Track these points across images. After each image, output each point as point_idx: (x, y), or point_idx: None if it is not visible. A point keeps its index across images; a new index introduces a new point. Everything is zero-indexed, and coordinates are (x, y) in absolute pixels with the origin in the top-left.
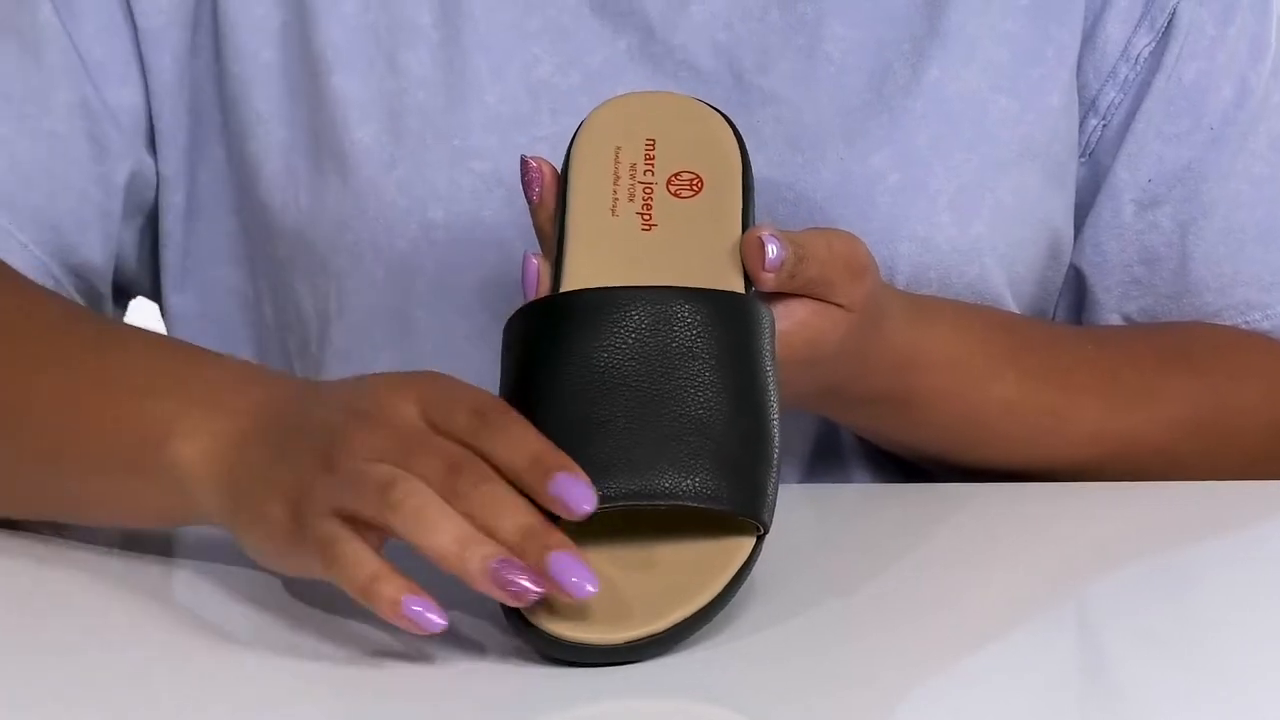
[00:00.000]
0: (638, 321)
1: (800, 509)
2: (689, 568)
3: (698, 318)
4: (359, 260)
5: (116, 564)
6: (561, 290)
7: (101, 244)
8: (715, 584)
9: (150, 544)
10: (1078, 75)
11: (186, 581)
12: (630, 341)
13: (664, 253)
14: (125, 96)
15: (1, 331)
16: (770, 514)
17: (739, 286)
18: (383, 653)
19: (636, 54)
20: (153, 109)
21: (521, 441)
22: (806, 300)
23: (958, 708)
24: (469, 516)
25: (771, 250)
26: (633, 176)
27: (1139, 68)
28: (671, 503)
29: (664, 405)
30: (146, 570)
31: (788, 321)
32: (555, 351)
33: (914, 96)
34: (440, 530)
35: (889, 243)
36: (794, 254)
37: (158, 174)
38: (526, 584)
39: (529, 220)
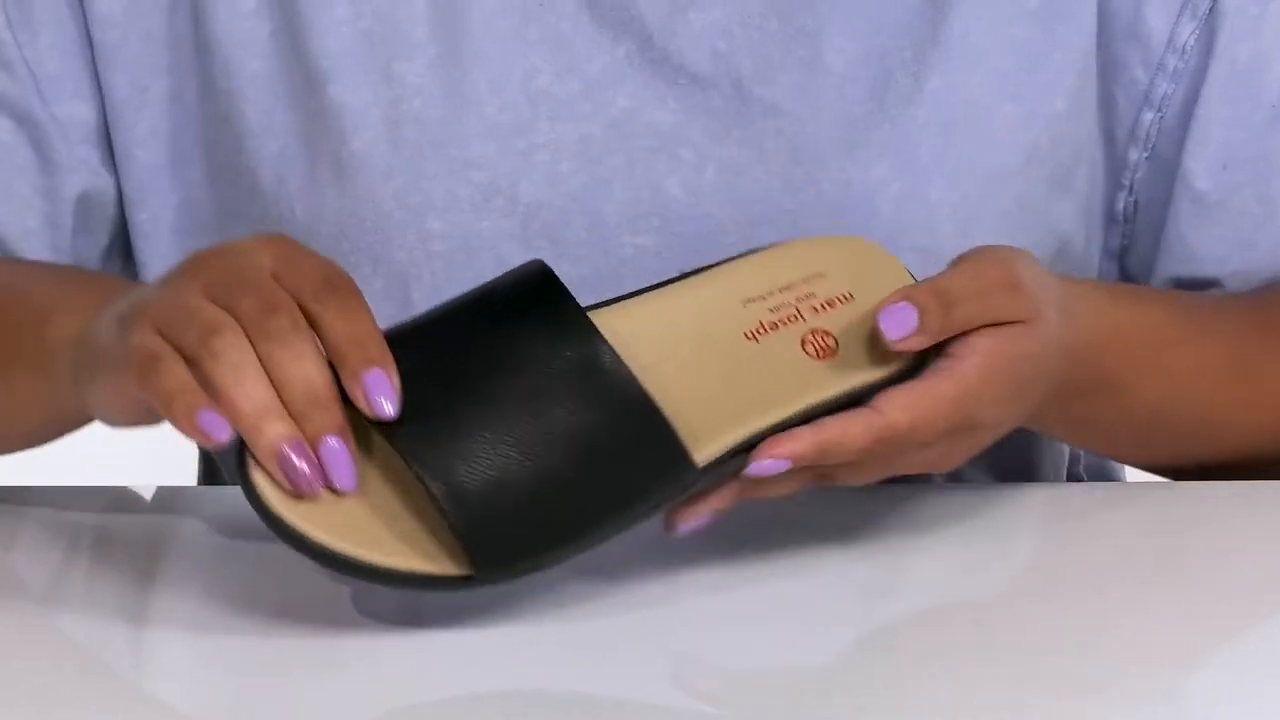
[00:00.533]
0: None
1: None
2: (428, 536)
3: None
4: (356, 270)
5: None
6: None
7: (50, 254)
8: (418, 565)
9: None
10: (1124, 72)
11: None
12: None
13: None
14: (78, 111)
15: None
16: (493, 568)
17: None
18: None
19: (636, 61)
20: (109, 125)
21: (355, 320)
22: (984, 331)
23: (958, 708)
24: (268, 359)
25: (892, 328)
26: (784, 295)
27: (1188, 57)
28: (420, 479)
29: (509, 412)
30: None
31: (976, 357)
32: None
33: (916, 106)
34: (247, 393)
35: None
36: (934, 307)
37: (120, 191)
38: (306, 473)
39: (526, 230)
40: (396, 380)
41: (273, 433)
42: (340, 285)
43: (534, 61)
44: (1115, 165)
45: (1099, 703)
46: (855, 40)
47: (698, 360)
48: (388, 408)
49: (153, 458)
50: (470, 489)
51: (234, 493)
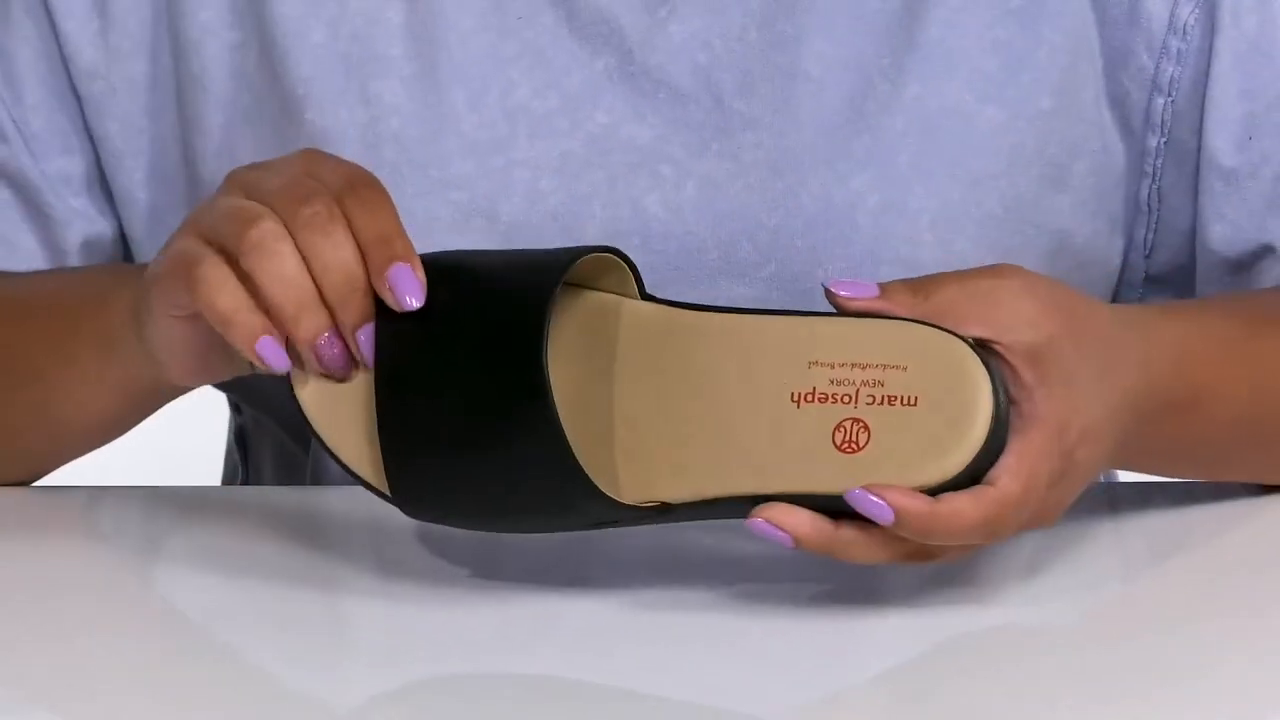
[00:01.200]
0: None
1: None
2: None
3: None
4: None
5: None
6: None
7: None
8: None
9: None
10: (1130, 60)
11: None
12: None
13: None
14: (66, 166)
15: None
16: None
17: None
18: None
19: (615, 75)
20: (106, 174)
21: (381, 218)
22: (1019, 358)
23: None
24: (308, 248)
25: (842, 287)
26: (853, 372)
27: (1189, 37)
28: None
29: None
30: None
31: (1038, 389)
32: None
33: (894, 114)
34: (287, 283)
35: (871, 265)
36: (900, 285)
37: (124, 235)
38: (339, 359)
39: (506, 247)
40: (422, 275)
41: (314, 323)
42: (367, 183)
43: (512, 77)
44: (1135, 155)
45: (1099, 702)
46: (835, 45)
47: (729, 396)
48: (412, 301)
49: (153, 458)
50: (408, 460)
51: (234, 493)
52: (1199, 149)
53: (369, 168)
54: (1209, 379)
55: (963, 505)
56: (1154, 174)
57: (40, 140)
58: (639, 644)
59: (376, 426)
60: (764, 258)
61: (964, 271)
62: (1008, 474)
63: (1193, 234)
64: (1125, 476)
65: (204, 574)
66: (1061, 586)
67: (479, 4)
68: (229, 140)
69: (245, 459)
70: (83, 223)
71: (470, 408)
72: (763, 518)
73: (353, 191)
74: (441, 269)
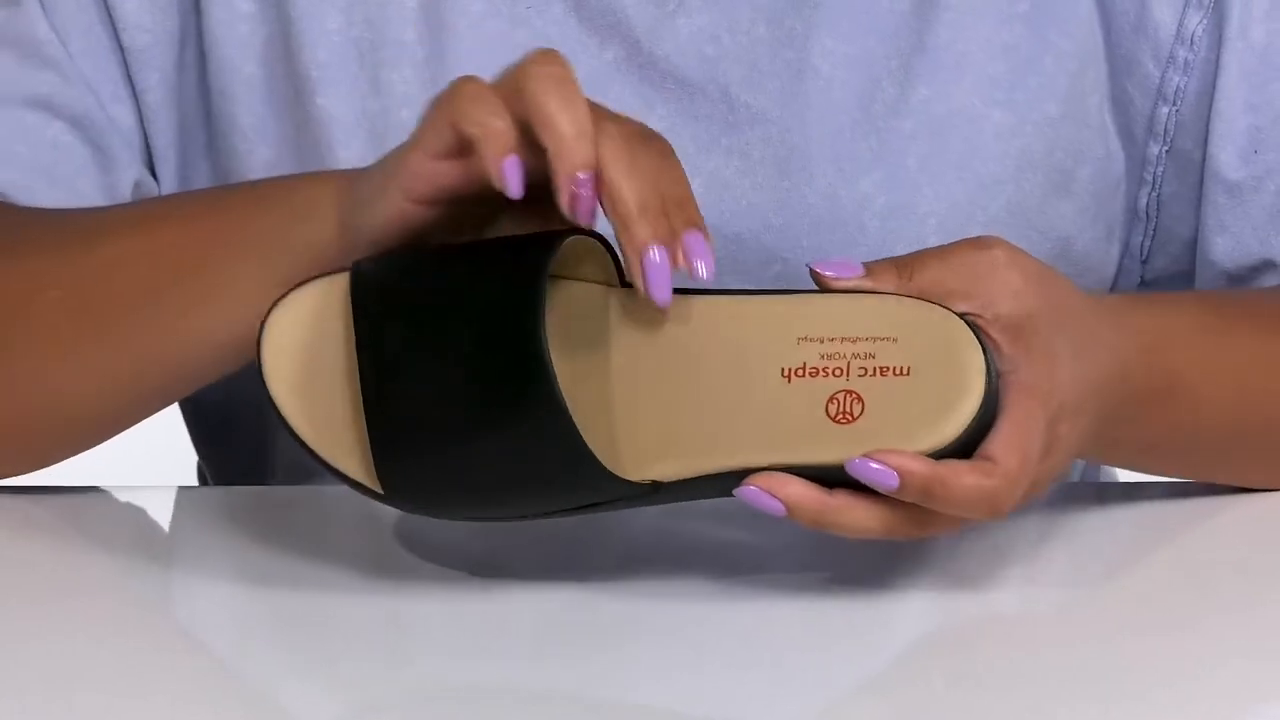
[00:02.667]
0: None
1: None
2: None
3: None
4: None
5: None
6: None
7: None
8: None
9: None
10: (1136, 68)
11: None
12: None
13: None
14: (119, 114)
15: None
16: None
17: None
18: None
19: (623, 65)
20: (146, 130)
21: (677, 177)
22: (994, 326)
23: (954, 707)
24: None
25: (830, 269)
26: (843, 345)
27: (1197, 48)
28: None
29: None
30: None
31: (1015, 364)
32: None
33: (902, 116)
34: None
35: None
36: (886, 265)
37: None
38: (591, 201)
39: None
40: (712, 242)
41: (581, 156)
42: (660, 139)
43: None
44: (1136, 162)
45: (1099, 701)
46: (844, 43)
47: (720, 376)
48: (703, 269)
49: (153, 458)
50: (399, 446)
51: (235, 492)
52: (1203, 160)
53: (375, 158)
54: (1181, 367)
55: (965, 470)
56: (1154, 182)
57: (96, 84)
58: (641, 643)
59: (365, 423)
60: (770, 256)
61: (946, 246)
62: (1004, 448)
63: (1193, 243)
64: (1124, 475)
65: (200, 574)
66: (1056, 580)
67: None
68: (229, 109)
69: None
70: (135, 170)
71: (467, 393)
72: (755, 485)
73: (646, 145)
74: (426, 257)
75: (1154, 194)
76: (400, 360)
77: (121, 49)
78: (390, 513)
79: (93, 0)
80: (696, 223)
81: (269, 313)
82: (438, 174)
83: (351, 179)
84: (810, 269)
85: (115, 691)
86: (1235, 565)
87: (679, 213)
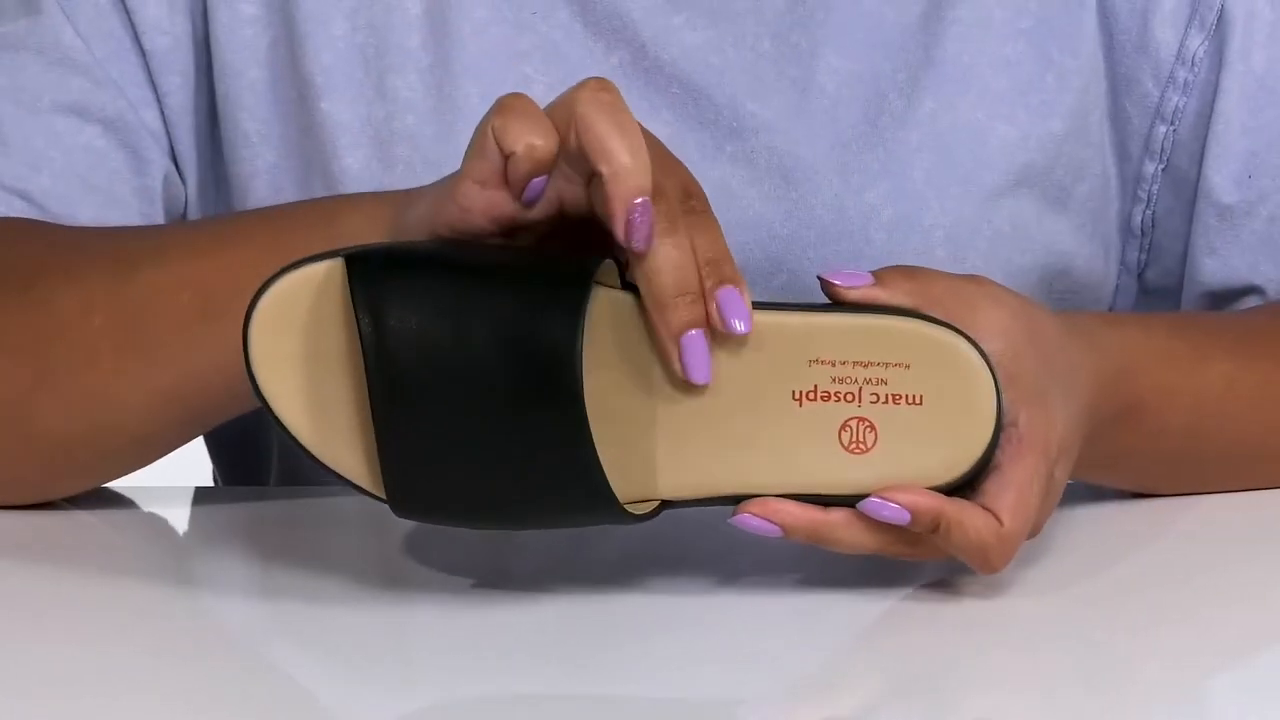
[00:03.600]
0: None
1: None
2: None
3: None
4: None
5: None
6: None
7: None
8: (353, 475)
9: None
10: (1134, 86)
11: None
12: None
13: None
14: (150, 119)
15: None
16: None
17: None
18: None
19: (628, 70)
20: (170, 134)
21: (714, 237)
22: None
23: (954, 707)
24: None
25: (840, 279)
26: (855, 370)
27: (1197, 69)
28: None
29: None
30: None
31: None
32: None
33: (909, 129)
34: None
35: None
36: (896, 272)
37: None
38: (648, 228)
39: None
40: (749, 300)
41: (636, 184)
42: (701, 196)
43: (526, 72)
44: (1130, 179)
45: (1098, 701)
46: (849, 60)
47: (732, 398)
48: (740, 326)
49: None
50: (406, 466)
51: (233, 493)
52: (1198, 180)
53: (383, 165)
54: (1144, 392)
55: (975, 513)
56: (1149, 200)
57: (126, 89)
58: (645, 642)
59: (370, 430)
60: (775, 267)
61: (948, 273)
62: (1010, 511)
63: (1184, 260)
64: None
65: (203, 574)
66: (1057, 579)
67: None
68: (232, 114)
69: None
70: (165, 168)
71: (488, 419)
72: (749, 513)
73: (688, 202)
74: (439, 267)
75: (1149, 211)
76: (416, 379)
77: (143, 52)
78: (393, 520)
79: (112, 5)
80: (733, 279)
81: (255, 301)
82: (491, 206)
83: (397, 206)
84: (820, 279)
85: (110, 694)
86: (1236, 564)
87: (714, 273)
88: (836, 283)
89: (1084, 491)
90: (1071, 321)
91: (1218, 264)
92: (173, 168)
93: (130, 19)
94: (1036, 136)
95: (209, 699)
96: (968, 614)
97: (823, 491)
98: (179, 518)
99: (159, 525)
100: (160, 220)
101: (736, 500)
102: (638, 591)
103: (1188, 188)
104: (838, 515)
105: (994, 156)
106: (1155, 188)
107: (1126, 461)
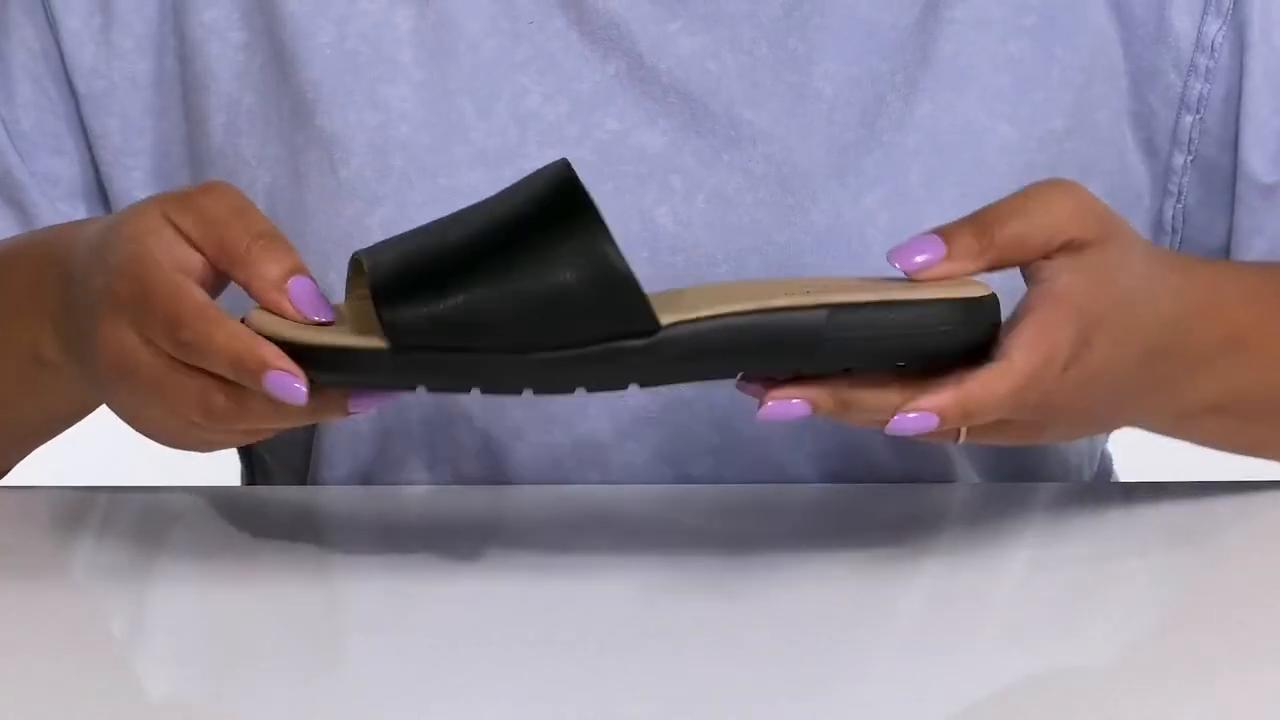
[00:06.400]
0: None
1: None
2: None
3: None
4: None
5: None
6: None
7: None
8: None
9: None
10: (1157, 79)
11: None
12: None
13: None
14: (59, 167)
15: None
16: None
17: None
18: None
19: (625, 79)
20: (102, 173)
21: (219, 353)
22: (1059, 255)
23: (954, 706)
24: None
25: (908, 256)
26: None
27: (1218, 55)
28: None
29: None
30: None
31: (1066, 275)
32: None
33: (907, 131)
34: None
35: None
36: (966, 230)
37: None
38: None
39: None
40: (285, 362)
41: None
42: (183, 330)
43: (522, 82)
44: (1160, 174)
45: (1098, 702)
46: (846, 64)
47: (726, 285)
48: (298, 396)
49: (154, 458)
50: (389, 254)
51: (234, 493)
52: (1234, 166)
53: (377, 174)
54: (1244, 323)
55: (991, 380)
56: (1179, 193)
57: (29, 139)
58: (647, 636)
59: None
60: (773, 272)
61: (1023, 194)
62: (1023, 348)
63: (1219, 251)
64: (1123, 475)
65: (205, 575)
66: (1056, 578)
67: (489, 8)
68: (231, 140)
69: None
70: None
71: (507, 228)
72: (771, 401)
73: (183, 347)
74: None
75: (1179, 205)
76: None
77: (76, 97)
78: (395, 513)
79: (45, 50)
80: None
81: None
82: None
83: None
84: (892, 261)
85: (110, 694)
86: (1237, 564)
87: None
88: (916, 263)
89: (1088, 493)
90: (1164, 250)
91: (1267, 243)
92: (85, 217)
93: (63, 62)
94: (1038, 136)
95: (207, 698)
96: (973, 611)
97: (861, 299)
98: (177, 519)
99: (158, 526)
100: None
101: (741, 340)
102: (638, 591)
103: (1218, 176)
104: (859, 380)
105: (994, 158)
106: (1185, 180)
107: (1235, 405)
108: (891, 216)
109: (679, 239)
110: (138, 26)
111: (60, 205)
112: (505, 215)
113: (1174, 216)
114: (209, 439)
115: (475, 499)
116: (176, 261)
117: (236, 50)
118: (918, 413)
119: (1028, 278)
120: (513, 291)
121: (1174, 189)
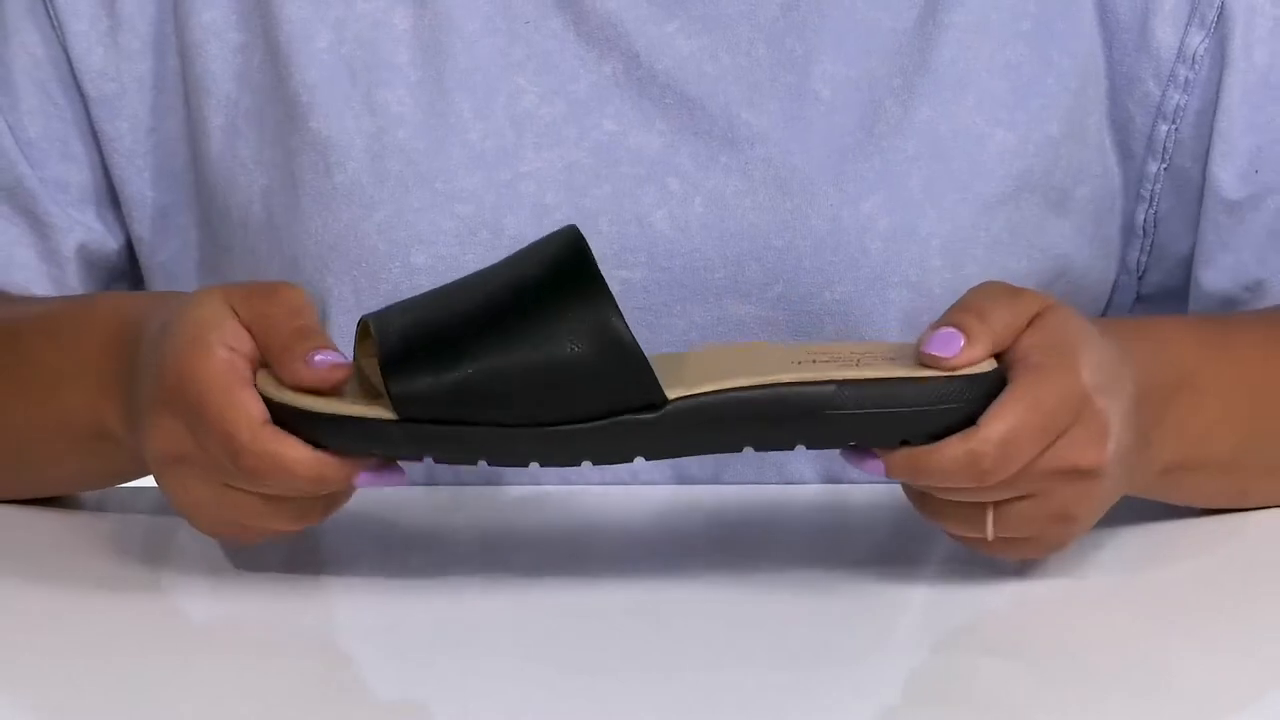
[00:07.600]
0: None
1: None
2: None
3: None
4: (339, 300)
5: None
6: None
7: None
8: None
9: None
10: (1136, 86)
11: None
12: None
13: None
14: (68, 173)
15: None
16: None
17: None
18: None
19: (622, 79)
20: (113, 175)
21: (284, 483)
22: (1026, 332)
23: (954, 707)
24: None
25: (941, 347)
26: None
27: (1198, 67)
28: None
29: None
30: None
31: (1038, 354)
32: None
33: (905, 136)
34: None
35: (880, 289)
36: (971, 319)
37: (130, 236)
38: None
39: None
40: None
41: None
42: (239, 458)
43: (519, 83)
44: (1133, 179)
45: (1098, 704)
46: (845, 66)
47: (728, 352)
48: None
49: None
50: (397, 323)
51: None
52: (1203, 178)
53: (374, 179)
54: (1192, 366)
55: (949, 442)
56: (1151, 199)
57: (37, 146)
58: (647, 636)
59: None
60: (771, 278)
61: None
62: (992, 414)
63: (1188, 260)
64: None
65: (205, 575)
66: (1057, 578)
67: (485, 9)
68: (230, 142)
69: None
70: (81, 231)
71: (514, 292)
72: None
73: (241, 470)
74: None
75: (1152, 210)
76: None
77: (85, 98)
78: (395, 514)
79: (50, 55)
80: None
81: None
82: None
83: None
84: (929, 352)
85: (110, 694)
86: (1238, 565)
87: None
88: (945, 360)
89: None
90: (1108, 319)
91: (1230, 259)
92: (96, 222)
93: (71, 66)
94: (1035, 141)
95: (205, 697)
96: (973, 612)
97: (811, 379)
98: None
99: (162, 525)
100: (72, 278)
101: (748, 397)
102: (638, 591)
103: (1190, 187)
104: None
105: (992, 163)
106: (1158, 187)
107: (1210, 445)
108: (891, 222)
109: (676, 244)
110: (142, 27)
111: (72, 212)
112: (512, 284)
113: (1145, 220)
114: (247, 540)
115: (474, 500)
116: (230, 348)
117: (234, 52)
118: (869, 457)
119: (1007, 363)
120: (519, 364)
121: (1146, 194)
